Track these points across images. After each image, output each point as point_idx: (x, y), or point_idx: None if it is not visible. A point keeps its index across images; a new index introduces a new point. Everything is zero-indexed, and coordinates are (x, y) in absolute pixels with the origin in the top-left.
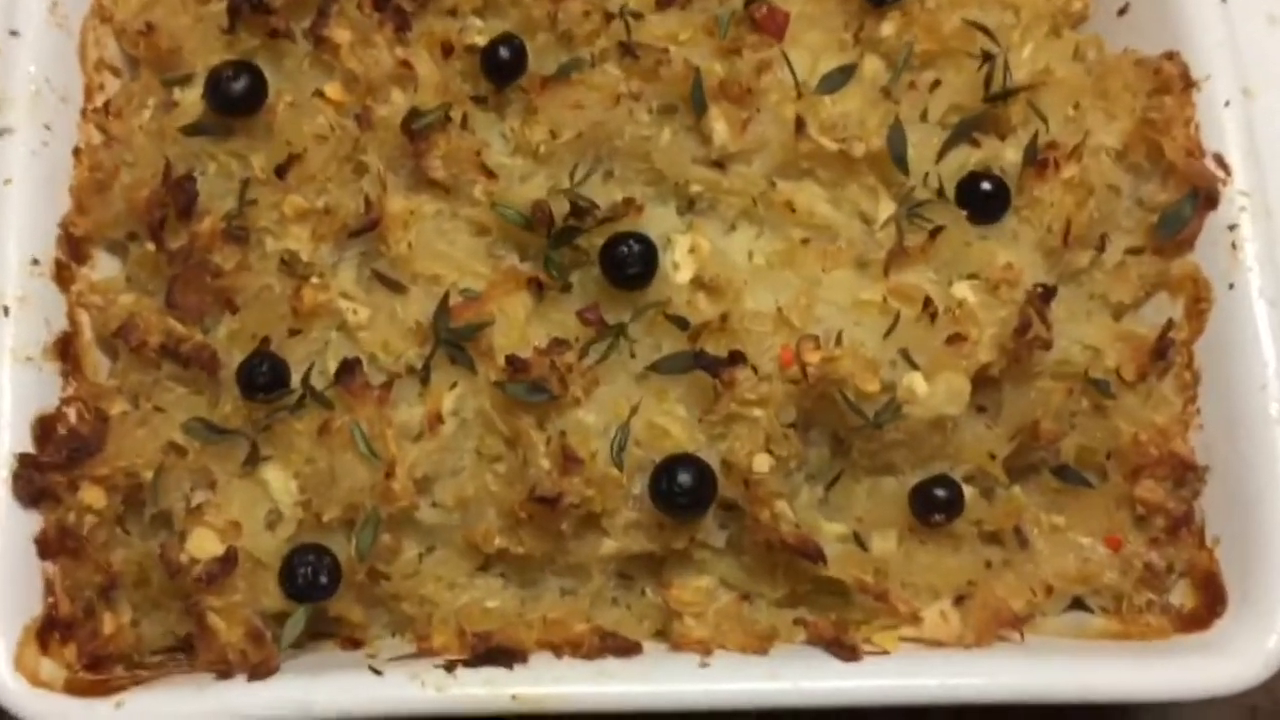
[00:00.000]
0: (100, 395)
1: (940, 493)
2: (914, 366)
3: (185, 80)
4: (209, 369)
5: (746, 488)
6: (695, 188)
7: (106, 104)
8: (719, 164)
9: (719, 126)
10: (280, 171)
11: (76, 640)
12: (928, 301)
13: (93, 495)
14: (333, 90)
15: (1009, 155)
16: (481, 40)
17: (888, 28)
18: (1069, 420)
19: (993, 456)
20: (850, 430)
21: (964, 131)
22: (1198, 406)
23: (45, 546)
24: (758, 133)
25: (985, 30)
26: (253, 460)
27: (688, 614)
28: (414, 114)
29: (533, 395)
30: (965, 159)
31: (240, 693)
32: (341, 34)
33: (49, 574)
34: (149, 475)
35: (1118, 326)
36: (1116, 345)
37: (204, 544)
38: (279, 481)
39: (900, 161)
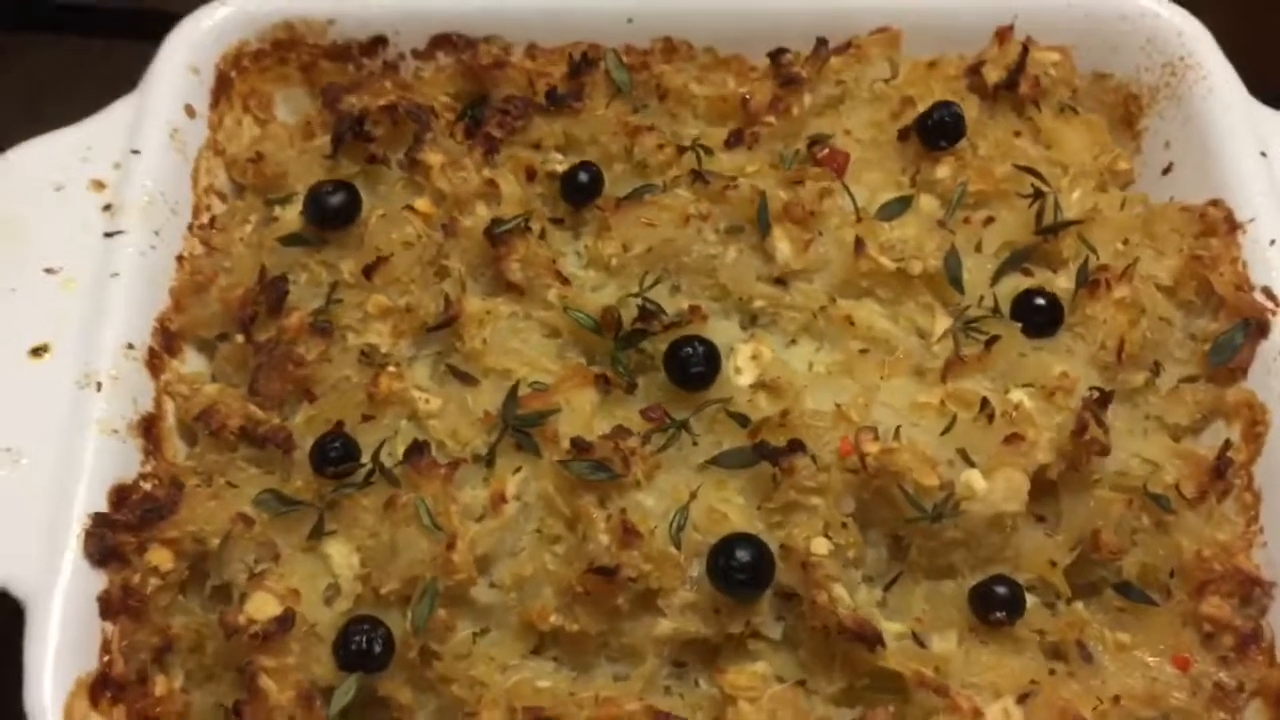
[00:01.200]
0: (177, 472)
1: (1001, 590)
2: (971, 465)
3: (286, 199)
4: (285, 448)
5: (804, 571)
6: (758, 303)
7: (212, 219)
8: (781, 281)
9: (782, 246)
10: (368, 272)
11: (126, 701)
12: (984, 403)
13: (160, 557)
14: (422, 205)
15: (1061, 283)
16: (562, 168)
17: (943, 170)
18: (1130, 537)
19: (1053, 564)
20: (908, 528)
21: (1017, 261)
22: (1260, 525)
23: (108, 605)
24: (819, 253)
25: (1036, 174)
26: (317, 534)
27: (743, 699)
28: (496, 221)
29: (596, 474)
30: (1018, 284)
31: None
32: (434, 157)
33: (108, 634)
34: (215, 543)
35: (1176, 445)
36: (1175, 462)
37: (263, 606)
38: (341, 555)
39: (956, 282)
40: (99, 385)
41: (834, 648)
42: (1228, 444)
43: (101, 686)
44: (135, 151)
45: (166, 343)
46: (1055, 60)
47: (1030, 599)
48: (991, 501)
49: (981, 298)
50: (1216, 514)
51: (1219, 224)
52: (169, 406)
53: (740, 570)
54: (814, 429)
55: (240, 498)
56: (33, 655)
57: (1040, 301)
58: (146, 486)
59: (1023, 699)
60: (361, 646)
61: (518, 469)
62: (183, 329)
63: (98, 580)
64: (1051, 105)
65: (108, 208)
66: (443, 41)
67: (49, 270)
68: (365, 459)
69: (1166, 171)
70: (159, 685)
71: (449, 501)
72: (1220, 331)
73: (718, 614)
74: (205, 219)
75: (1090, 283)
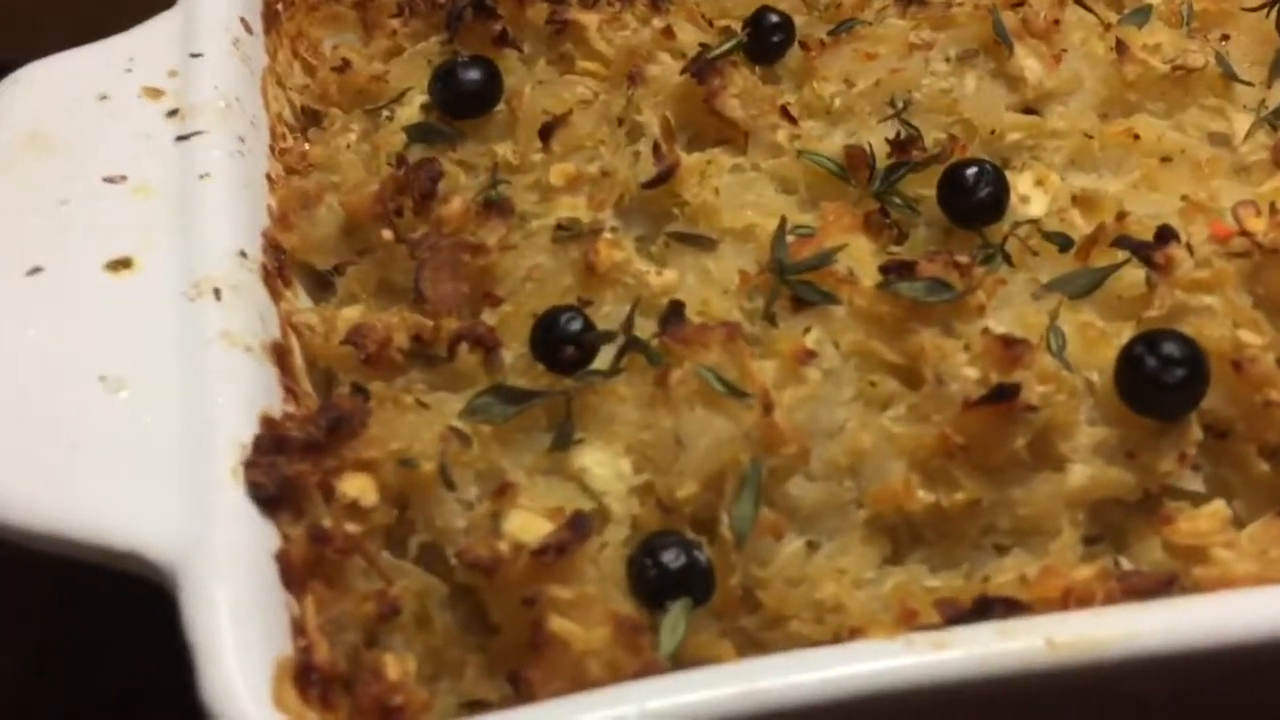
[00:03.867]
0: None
1: None
2: None
3: (399, 98)
4: (489, 345)
5: (1238, 372)
6: (1013, 136)
7: (305, 130)
8: (1031, 112)
9: (1030, 64)
10: (545, 134)
11: (353, 695)
12: None
13: (360, 486)
14: (587, 66)
15: None
16: (737, 25)
17: None
18: None
19: None
20: None
21: None
22: None
23: (291, 569)
24: (1073, 68)
25: None
26: (562, 444)
27: (1215, 546)
28: (703, 50)
29: (932, 295)
30: None
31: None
32: (588, 17)
33: (296, 610)
34: (429, 467)
35: None
36: None
37: (529, 524)
38: (603, 466)
39: (1233, 77)
40: (216, 293)
41: None
42: None
43: (304, 679)
44: (196, 55)
45: (279, 265)
46: None
47: None
48: None
49: (1264, 99)
50: None
51: None
52: (294, 344)
53: (1178, 364)
54: (1169, 224)
55: (442, 414)
56: (203, 633)
57: None
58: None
59: None
60: (681, 560)
61: (807, 329)
62: (294, 251)
63: (270, 535)
64: None
65: (174, 113)
66: None
67: (109, 180)
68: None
69: None
70: (390, 668)
71: (746, 359)
72: None
73: (1133, 457)
74: (286, 144)
75: None
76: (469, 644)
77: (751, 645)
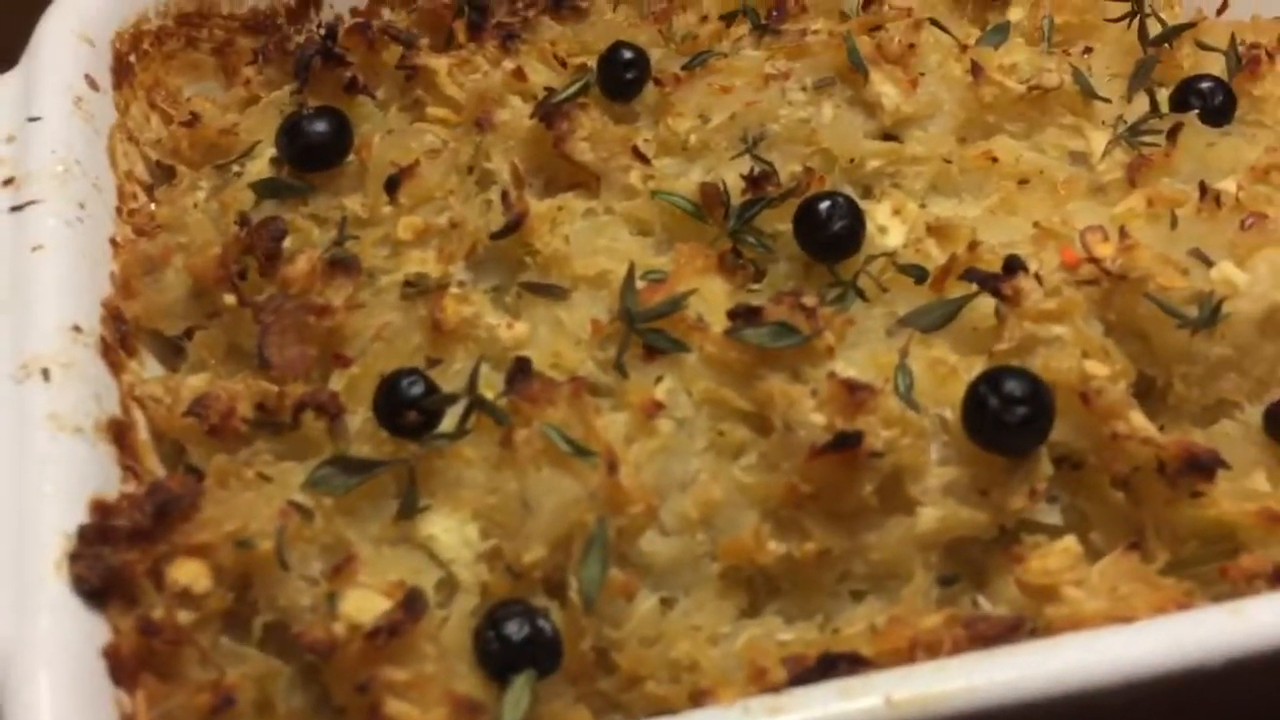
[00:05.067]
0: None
1: None
2: (1212, 264)
3: (248, 153)
4: (332, 412)
5: (1086, 404)
6: (873, 163)
7: (150, 190)
8: (891, 137)
9: (887, 90)
10: (390, 187)
11: None
12: (1203, 190)
13: (191, 573)
14: (437, 113)
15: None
16: (591, 61)
17: (1016, 13)
18: None
19: None
20: (1165, 360)
21: (1142, 74)
22: None
23: (119, 663)
24: (930, 91)
25: None
26: (407, 512)
27: (1065, 585)
28: (549, 92)
29: (779, 340)
30: (1161, 95)
31: None
32: (437, 61)
33: (126, 706)
34: (266, 546)
35: None
36: None
37: (366, 603)
38: (450, 533)
39: (1092, 94)
40: (45, 373)
41: (1143, 511)
42: None
43: None
44: (34, 119)
45: (120, 336)
46: None
47: None
48: (1260, 293)
49: (1121, 115)
50: None
51: None
52: (138, 417)
53: (1019, 402)
54: (1017, 255)
55: (284, 488)
56: None
57: (1207, 85)
58: (138, 495)
59: None
60: (525, 632)
61: (658, 379)
62: (137, 319)
63: (98, 627)
64: None
65: (9, 182)
66: None
67: None
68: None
69: (1221, 11)
70: None
71: (590, 416)
72: None
73: (985, 494)
74: (135, 204)
75: (1248, 64)
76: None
77: (611, 707)
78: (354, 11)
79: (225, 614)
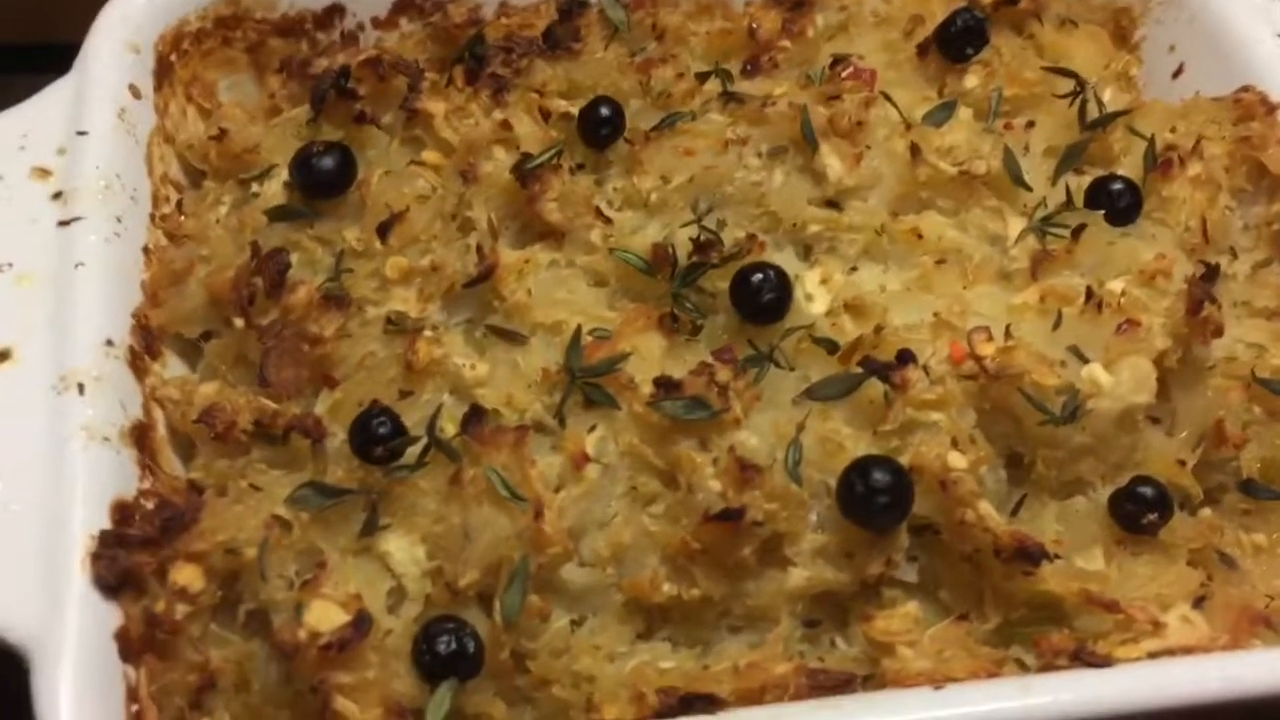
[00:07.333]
0: (184, 486)
1: (1146, 491)
2: (1086, 361)
3: (266, 173)
4: (315, 436)
5: (943, 490)
6: (813, 228)
7: (179, 204)
8: (833, 204)
9: (832, 162)
10: (382, 231)
11: None
12: (1089, 293)
13: (187, 575)
14: (430, 157)
15: (1125, 172)
16: (575, 109)
17: (971, 80)
18: (1244, 429)
19: (1182, 464)
20: (1030, 443)
21: (1071, 159)
22: None
23: (128, 644)
24: (872, 166)
25: (1070, 73)
26: (370, 530)
27: (900, 644)
28: (525, 157)
29: (691, 413)
30: (1080, 182)
31: None
32: (435, 105)
33: (132, 679)
34: (252, 553)
35: (1272, 326)
36: (1277, 344)
37: (326, 615)
38: (402, 551)
39: (1019, 181)
40: (80, 387)
41: (983, 579)
42: None
43: None
44: (82, 133)
45: (146, 343)
46: None
47: None
48: (1120, 395)
49: (1044, 200)
50: None
51: (1256, 107)
52: (158, 416)
53: (882, 492)
54: (914, 342)
55: (270, 500)
56: (45, 714)
57: (1117, 186)
58: (149, 505)
59: (1199, 603)
60: (451, 647)
61: (592, 427)
62: (162, 326)
63: (112, 615)
64: (1051, 20)
65: (58, 195)
66: (406, 5)
67: None
68: (411, 448)
69: (1177, 75)
70: None
71: (526, 466)
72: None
73: (851, 558)
74: (167, 209)
75: (1161, 164)
76: (283, 700)
77: (523, 701)
78: (374, 21)
79: (216, 605)
